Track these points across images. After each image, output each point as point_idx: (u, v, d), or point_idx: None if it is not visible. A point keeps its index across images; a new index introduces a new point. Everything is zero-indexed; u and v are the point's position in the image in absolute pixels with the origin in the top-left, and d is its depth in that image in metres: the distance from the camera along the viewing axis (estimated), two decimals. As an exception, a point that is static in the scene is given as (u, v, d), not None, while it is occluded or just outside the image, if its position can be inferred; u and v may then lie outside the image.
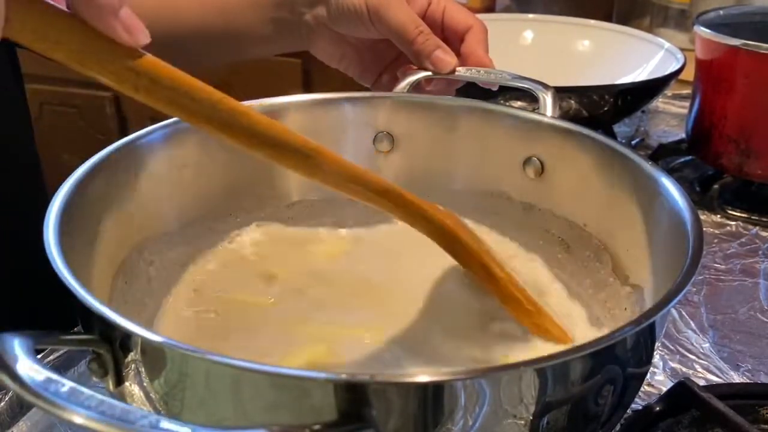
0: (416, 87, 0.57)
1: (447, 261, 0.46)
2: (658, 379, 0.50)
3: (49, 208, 0.37)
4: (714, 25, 0.73)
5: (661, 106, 0.99)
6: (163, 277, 0.48)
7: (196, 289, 0.48)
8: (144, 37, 0.31)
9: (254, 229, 0.53)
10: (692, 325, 0.56)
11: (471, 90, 0.61)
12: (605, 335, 0.31)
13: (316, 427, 0.27)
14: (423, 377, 0.28)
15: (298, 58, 1.42)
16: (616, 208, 0.46)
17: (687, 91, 0.93)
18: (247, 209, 0.53)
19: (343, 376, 0.28)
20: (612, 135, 0.83)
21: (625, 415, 0.43)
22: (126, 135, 0.46)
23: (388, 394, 0.28)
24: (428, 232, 0.43)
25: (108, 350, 0.32)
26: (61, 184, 0.39)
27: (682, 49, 0.86)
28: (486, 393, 0.29)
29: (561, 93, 0.59)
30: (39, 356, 0.36)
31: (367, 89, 0.64)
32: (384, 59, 0.62)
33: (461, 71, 0.57)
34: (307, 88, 1.43)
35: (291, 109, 0.53)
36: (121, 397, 0.33)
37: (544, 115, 0.51)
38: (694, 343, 0.54)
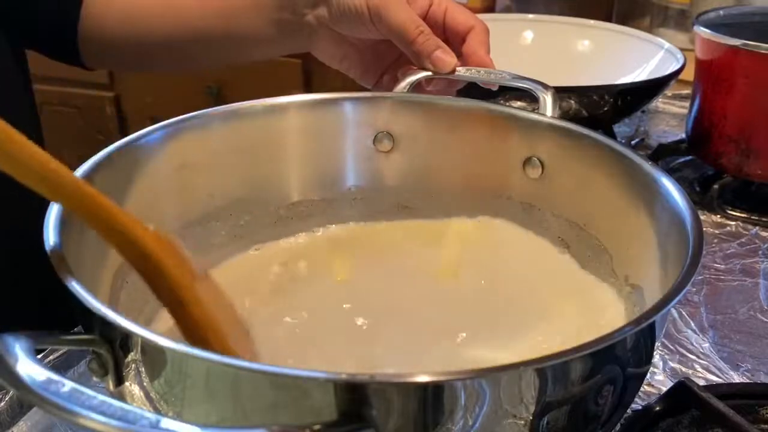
0: (416, 87, 0.57)
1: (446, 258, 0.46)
2: (658, 379, 0.50)
3: (49, 208, 0.37)
4: (714, 25, 0.73)
5: (661, 106, 0.99)
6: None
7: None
8: None
9: (254, 229, 0.53)
10: (692, 325, 0.56)
11: (472, 91, 0.61)
12: (605, 335, 0.31)
13: (316, 427, 0.27)
14: (423, 377, 0.28)
15: (298, 58, 1.43)
16: (615, 208, 0.46)
17: (687, 91, 0.93)
18: (247, 209, 0.53)
19: (343, 376, 0.28)
20: (612, 135, 0.83)
21: (625, 415, 0.43)
22: (126, 135, 0.46)
23: (388, 394, 0.28)
24: (124, 253, 0.36)
25: (108, 350, 0.32)
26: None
27: (682, 49, 0.86)
28: (486, 393, 0.29)
29: (561, 93, 0.59)
30: (39, 356, 0.36)
31: (367, 89, 0.64)
32: (385, 60, 0.62)
33: (461, 71, 0.57)
34: (307, 88, 1.43)
35: (291, 109, 0.53)
36: (121, 397, 0.33)
37: (544, 115, 0.51)
38: (694, 343, 0.54)
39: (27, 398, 0.25)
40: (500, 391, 0.29)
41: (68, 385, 0.25)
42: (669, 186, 0.42)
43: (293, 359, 0.43)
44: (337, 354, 0.44)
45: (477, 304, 0.48)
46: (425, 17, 0.58)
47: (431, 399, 0.29)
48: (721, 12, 0.78)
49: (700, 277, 0.61)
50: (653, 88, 0.80)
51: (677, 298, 0.33)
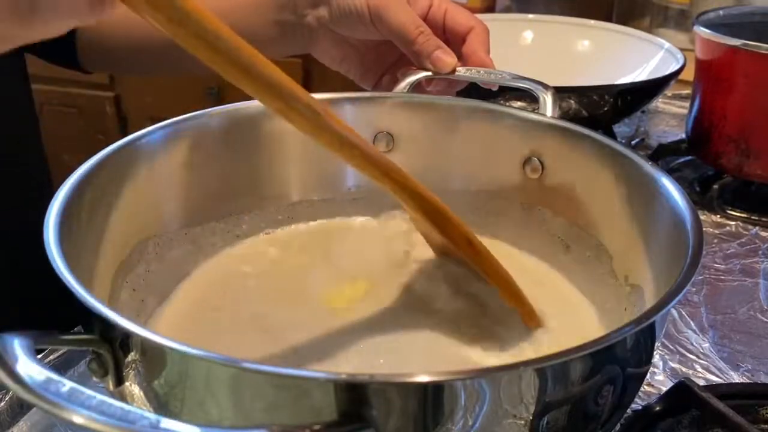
0: (416, 87, 0.57)
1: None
2: (658, 379, 0.50)
3: (49, 208, 0.37)
4: (714, 25, 0.73)
5: (661, 106, 0.99)
6: (163, 277, 0.48)
7: (195, 288, 0.48)
8: None
9: (253, 230, 0.53)
10: (692, 325, 0.56)
11: (472, 91, 0.61)
12: (605, 335, 0.31)
13: (316, 427, 0.27)
14: (423, 377, 0.28)
15: (298, 58, 1.43)
16: (616, 208, 0.46)
17: (687, 91, 0.93)
18: (247, 209, 0.53)
19: (343, 376, 0.28)
20: (612, 135, 0.83)
21: (625, 415, 0.43)
22: (126, 135, 0.46)
23: (388, 394, 0.28)
24: (407, 202, 0.43)
25: (108, 350, 0.32)
26: (61, 184, 0.39)
27: (682, 49, 0.86)
28: (486, 393, 0.29)
29: (561, 93, 0.59)
30: (39, 356, 0.36)
31: (367, 90, 0.64)
32: (385, 62, 0.62)
33: (461, 71, 0.57)
34: (307, 88, 1.43)
35: (291, 109, 0.53)
36: (121, 397, 0.33)
37: (544, 115, 0.51)
38: (694, 343, 0.54)
39: (27, 398, 0.25)
40: (500, 391, 0.29)
41: (68, 385, 0.25)
42: (669, 186, 0.42)
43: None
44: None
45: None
46: (425, 18, 0.58)
47: (431, 399, 0.29)
48: (721, 12, 0.78)
49: (700, 277, 0.61)
50: (653, 88, 0.80)
51: (677, 298, 0.33)
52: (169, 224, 0.49)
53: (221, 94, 1.55)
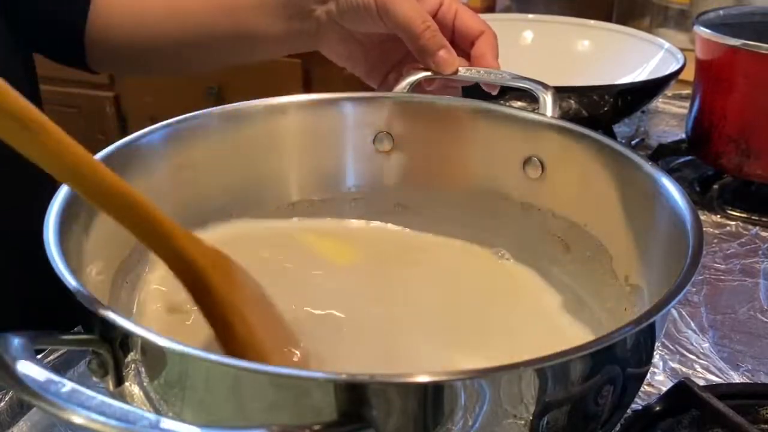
0: (416, 87, 0.57)
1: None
2: (658, 379, 0.50)
3: (49, 208, 0.37)
4: (714, 25, 0.73)
5: (661, 106, 0.99)
6: (163, 276, 0.48)
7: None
8: None
9: (253, 230, 0.53)
10: (692, 325, 0.56)
11: (474, 92, 0.60)
12: (605, 335, 0.31)
13: (316, 427, 0.27)
14: (423, 377, 0.28)
15: (298, 58, 1.43)
16: (616, 208, 0.46)
17: (687, 91, 0.93)
18: (247, 209, 0.53)
19: (343, 376, 0.28)
20: (612, 135, 0.83)
21: (625, 415, 0.43)
22: (126, 135, 0.46)
23: (388, 394, 0.28)
24: (172, 266, 0.35)
25: (108, 350, 0.32)
26: (61, 184, 0.39)
27: (682, 49, 0.86)
28: (486, 393, 0.29)
29: (561, 93, 0.59)
30: (39, 356, 0.36)
31: (367, 89, 0.64)
32: (391, 59, 0.62)
33: (462, 71, 0.57)
34: (307, 88, 1.44)
35: (291, 109, 0.53)
36: (121, 397, 0.33)
37: (544, 115, 0.51)
38: (694, 343, 0.54)
39: (27, 398, 0.25)
40: (500, 391, 0.29)
41: (68, 385, 0.25)
42: (669, 186, 0.42)
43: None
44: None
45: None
46: (434, 17, 0.58)
47: (431, 399, 0.29)
48: (721, 12, 0.78)
49: (700, 277, 0.61)
50: (653, 88, 0.80)
51: (677, 299, 0.33)
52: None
53: (221, 94, 1.55)
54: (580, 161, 0.49)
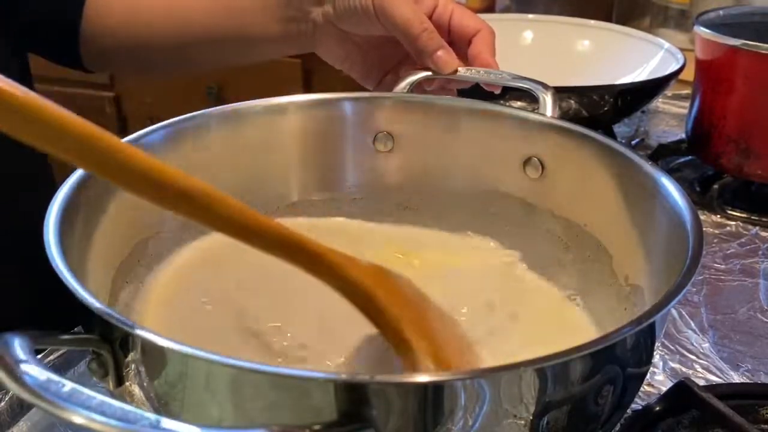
0: (416, 87, 0.57)
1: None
2: (658, 379, 0.50)
3: (49, 208, 0.37)
4: (714, 25, 0.73)
5: (661, 106, 0.99)
6: (163, 277, 0.48)
7: (195, 288, 0.48)
8: None
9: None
10: (692, 325, 0.56)
11: (474, 92, 0.60)
12: (605, 335, 0.31)
13: (316, 427, 0.27)
14: (423, 377, 0.28)
15: (298, 58, 1.43)
16: (616, 208, 0.46)
17: (687, 91, 0.93)
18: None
19: (343, 376, 0.28)
20: (612, 135, 0.83)
21: (625, 415, 0.43)
22: (126, 135, 0.46)
23: (388, 394, 0.28)
24: (339, 290, 0.37)
25: (108, 350, 0.32)
26: (61, 184, 0.39)
27: (682, 49, 0.86)
28: (486, 393, 0.29)
29: (561, 93, 0.59)
30: (39, 356, 0.36)
31: (367, 89, 0.64)
32: (388, 62, 0.62)
33: (462, 71, 0.57)
34: (307, 88, 1.43)
35: (291, 109, 0.53)
36: (121, 397, 0.33)
37: (544, 115, 0.51)
38: (694, 343, 0.54)
39: (27, 398, 0.25)
40: (500, 391, 0.29)
41: (68, 385, 0.25)
42: (669, 186, 0.42)
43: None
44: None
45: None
46: (430, 18, 0.58)
47: (431, 399, 0.29)
48: (721, 12, 0.78)
49: (700, 277, 0.61)
50: (653, 88, 0.80)
51: (677, 298, 0.33)
52: (169, 224, 0.49)
53: (221, 94, 1.55)
54: (580, 161, 0.49)
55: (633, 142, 0.88)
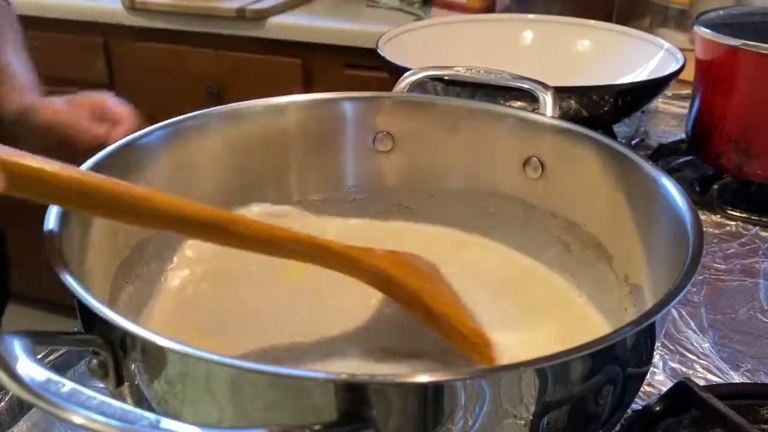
0: (416, 87, 0.57)
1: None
2: (658, 379, 0.50)
3: (49, 207, 0.37)
4: (714, 25, 0.73)
5: (661, 106, 0.99)
6: (163, 277, 0.48)
7: (195, 288, 0.48)
8: None
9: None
10: (692, 325, 0.56)
11: (476, 93, 0.61)
12: (605, 335, 0.31)
13: (316, 427, 0.27)
14: (423, 377, 0.28)
15: (298, 58, 1.43)
16: (616, 208, 0.46)
17: (687, 91, 0.93)
18: (246, 209, 0.53)
19: (343, 376, 0.28)
20: (612, 135, 0.83)
21: (625, 415, 0.43)
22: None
23: (388, 394, 0.28)
24: (365, 280, 0.42)
25: (108, 350, 0.32)
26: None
27: (682, 49, 0.86)
28: (486, 393, 0.29)
29: (561, 93, 0.59)
30: (39, 356, 0.36)
31: (367, 89, 0.64)
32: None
33: (461, 71, 0.57)
34: (307, 88, 1.44)
35: (291, 109, 0.53)
36: (121, 397, 0.33)
37: (544, 115, 0.51)
38: (694, 343, 0.54)
39: (27, 398, 0.25)
40: (500, 391, 0.29)
41: (68, 385, 0.25)
42: (669, 186, 0.42)
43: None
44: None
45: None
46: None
47: (431, 399, 0.29)
48: (721, 12, 0.78)
49: (700, 277, 0.61)
50: (653, 88, 0.79)
51: (677, 298, 0.33)
52: (169, 224, 0.49)
53: (221, 94, 1.55)
54: (580, 161, 0.49)
55: (633, 142, 0.88)
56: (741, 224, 0.70)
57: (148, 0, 1.51)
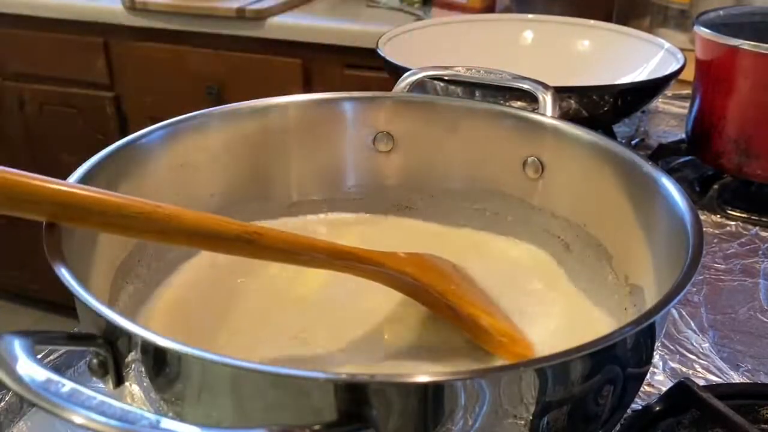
0: (417, 87, 0.57)
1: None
2: (658, 379, 0.50)
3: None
4: (714, 25, 0.73)
5: (661, 106, 0.99)
6: (163, 277, 0.48)
7: (195, 288, 0.48)
8: None
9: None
10: (692, 325, 0.56)
11: (476, 93, 0.60)
12: (605, 335, 0.31)
13: (316, 427, 0.27)
14: (423, 377, 0.28)
15: (299, 58, 1.43)
16: (616, 208, 0.46)
17: (687, 91, 0.93)
18: (246, 209, 0.53)
19: (343, 376, 0.28)
20: (612, 135, 0.83)
21: (625, 415, 0.43)
22: (126, 135, 0.46)
23: (388, 394, 0.28)
24: (389, 285, 0.43)
25: (108, 350, 0.32)
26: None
27: (682, 49, 0.86)
28: (486, 393, 0.29)
29: (561, 93, 0.59)
30: (39, 356, 0.36)
31: (367, 89, 0.64)
32: None
33: (461, 71, 0.57)
34: (307, 88, 1.44)
35: (291, 109, 0.53)
36: (121, 397, 0.33)
37: (544, 115, 0.51)
38: (694, 343, 0.54)
39: (27, 398, 0.25)
40: (500, 391, 0.29)
41: (68, 385, 0.25)
42: (669, 186, 0.42)
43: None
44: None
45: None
46: None
47: (431, 399, 0.29)
48: (721, 12, 0.78)
49: (700, 277, 0.61)
50: (653, 88, 0.79)
51: (677, 299, 0.33)
52: (169, 224, 0.49)
53: (221, 94, 1.55)
54: (580, 161, 0.49)
55: (633, 142, 0.88)
56: (741, 224, 0.70)
57: (148, 0, 1.51)
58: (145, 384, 0.32)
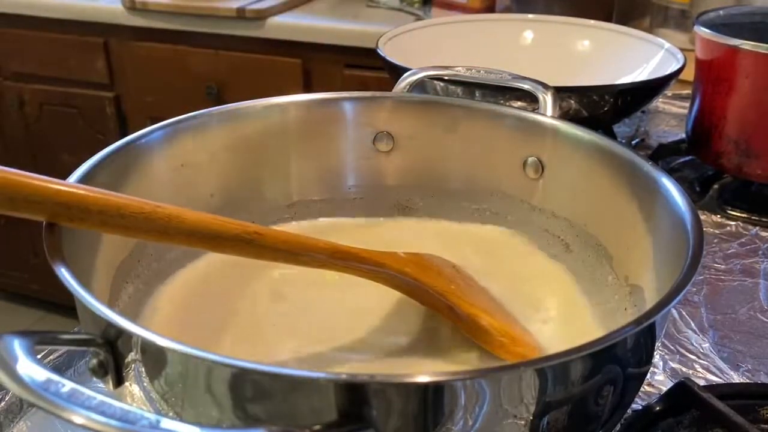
0: (416, 87, 0.57)
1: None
2: (658, 379, 0.50)
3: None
4: (714, 25, 0.73)
5: (661, 106, 0.99)
6: (163, 277, 0.48)
7: (194, 288, 0.48)
8: None
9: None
10: (692, 325, 0.56)
11: (476, 93, 0.60)
12: (605, 335, 0.31)
13: (316, 427, 0.27)
14: (423, 377, 0.28)
15: (299, 58, 1.43)
16: (616, 208, 0.46)
17: (687, 91, 0.93)
18: (246, 209, 0.53)
19: (343, 376, 0.28)
20: (612, 135, 0.83)
21: (625, 415, 0.43)
22: (126, 135, 0.46)
23: (388, 394, 0.28)
24: (389, 285, 0.44)
25: (108, 350, 0.32)
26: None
27: (682, 49, 0.86)
28: (486, 393, 0.29)
29: (561, 93, 0.59)
30: (39, 356, 0.36)
31: (367, 89, 0.64)
32: None
33: (461, 71, 0.57)
34: (307, 88, 1.44)
35: (291, 109, 0.53)
36: (121, 397, 0.33)
37: (544, 115, 0.51)
38: (694, 343, 0.54)
39: (27, 398, 0.25)
40: (500, 391, 0.29)
41: (68, 385, 0.25)
42: (669, 186, 0.42)
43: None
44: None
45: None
46: None
47: (431, 399, 0.29)
48: (721, 12, 0.78)
49: (700, 277, 0.61)
50: (653, 88, 0.79)
51: (677, 299, 0.33)
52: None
53: (221, 94, 1.55)
54: (580, 161, 0.49)
55: (633, 142, 0.88)
56: (741, 224, 0.70)
57: (148, 0, 1.51)
58: (145, 384, 0.32)
